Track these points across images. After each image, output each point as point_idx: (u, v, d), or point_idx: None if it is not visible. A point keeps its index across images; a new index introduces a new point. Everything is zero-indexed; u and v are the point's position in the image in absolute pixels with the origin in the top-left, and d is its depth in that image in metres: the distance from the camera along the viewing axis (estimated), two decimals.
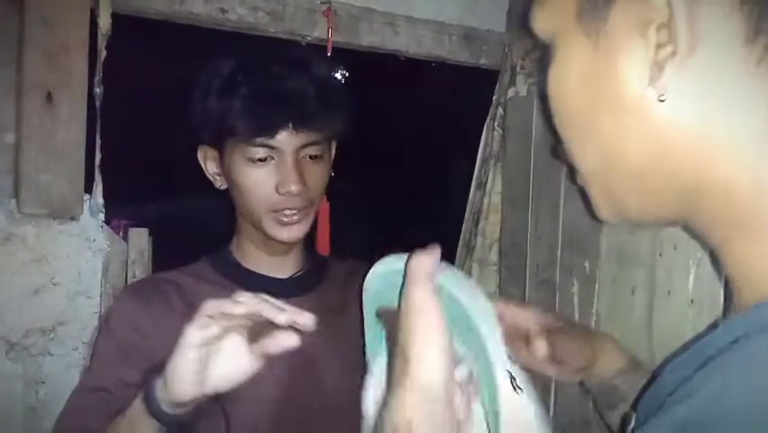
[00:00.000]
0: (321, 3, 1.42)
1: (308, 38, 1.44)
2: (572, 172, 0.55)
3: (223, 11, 1.35)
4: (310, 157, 1.01)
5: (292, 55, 1.04)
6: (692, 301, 0.96)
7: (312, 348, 1.04)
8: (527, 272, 1.42)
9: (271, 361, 0.98)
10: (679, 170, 0.44)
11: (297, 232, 1.03)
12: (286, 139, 0.97)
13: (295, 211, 1.01)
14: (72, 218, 1.23)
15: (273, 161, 0.99)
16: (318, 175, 1.03)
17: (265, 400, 1.00)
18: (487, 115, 1.63)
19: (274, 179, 0.99)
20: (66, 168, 1.21)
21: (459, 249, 1.69)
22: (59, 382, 1.21)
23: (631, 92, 0.44)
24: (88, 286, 1.26)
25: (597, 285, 1.17)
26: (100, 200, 1.27)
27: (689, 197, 0.45)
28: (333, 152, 1.13)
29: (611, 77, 0.45)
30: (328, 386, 1.03)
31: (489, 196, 1.60)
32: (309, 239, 1.11)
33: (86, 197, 1.25)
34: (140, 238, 1.34)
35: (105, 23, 1.25)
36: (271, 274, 1.10)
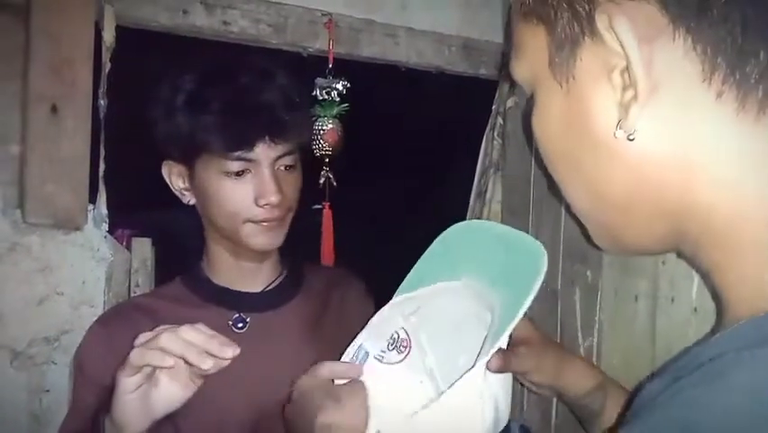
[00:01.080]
0: (322, 15, 1.44)
1: (310, 49, 1.45)
2: (569, 208, 0.58)
3: (225, 23, 1.36)
4: (285, 167, 1.01)
5: (256, 64, 1.03)
6: (696, 309, 0.96)
7: (283, 361, 1.04)
8: None
9: (239, 374, 0.99)
10: (661, 200, 0.47)
11: (275, 239, 1.03)
12: (263, 151, 0.97)
13: (273, 221, 1.01)
14: (76, 228, 1.24)
15: (250, 174, 0.98)
16: (293, 184, 1.03)
17: (220, 413, 1.00)
18: (486, 124, 1.64)
19: (252, 191, 0.98)
20: (70, 179, 1.22)
21: None
22: (62, 390, 1.22)
23: (603, 133, 0.46)
24: (92, 295, 1.26)
25: (599, 294, 1.17)
26: (104, 211, 1.28)
27: (675, 223, 0.47)
28: None
29: (584, 120, 0.48)
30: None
31: (489, 205, 1.61)
32: (284, 245, 1.09)
33: (90, 207, 1.26)
34: (143, 248, 1.35)
35: (109, 35, 1.26)
36: (244, 289, 1.09)
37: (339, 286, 1.18)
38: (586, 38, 0.46)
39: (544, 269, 0.74)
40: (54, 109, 1.20)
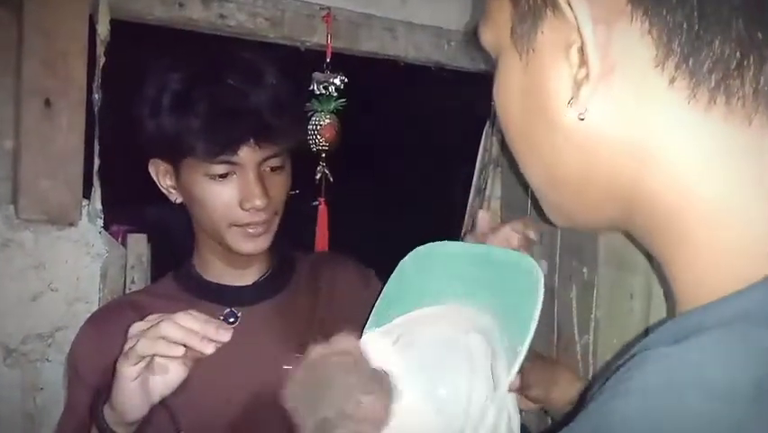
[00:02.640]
0: (320, 9, 1.43)
1: (308, 43, 1.44)
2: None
3: (222, 17, 1.35)
4: (271, 169, 1.00)
5: (246, 63, 1.01)
6: None
7: (276, 352, 1.03)
8: None
9: (233, 367, 0.99)
10: (612, 185, 0.46)
11: (262, 243, 1.02)
12: (248, 154, 0.96)
13: (259, 225, 1.00)
14: (70, 224, 1.23)
15: (235, 176, 0.97)
16: (281, 186, 1.02)
17: (216, 403, 1.00)
18: (486, 120, 1.63)
19: (237, 194, 0.97)
20: (64, 174, 1.21)
21: None
22: (57, 388, 1.21)
23: (557, 110, 0.45)
24: (87, 292, 1.25)
25: (595, 291, 1.16)
26: (98, 206, 1.27)
27: (626, 209, 0.47)
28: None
29: (540, 95, 0.47)
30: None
31: (488, 201, 1.60)
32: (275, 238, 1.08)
33: (85, 202, 1.25)
34: (138, 244, 1.34)
35: (103, 29, 1.25)
36: (234, 283, 1.08)
37: (327, 269, 1.18)
38: (548, 11, 0.45)
39: (541, 276, 0.68)
40: (48, 104, 1.18)
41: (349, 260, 1.22)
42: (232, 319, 1.06)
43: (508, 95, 0.50)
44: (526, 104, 0.48)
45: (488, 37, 0.53)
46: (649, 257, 0.50)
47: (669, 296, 0.48)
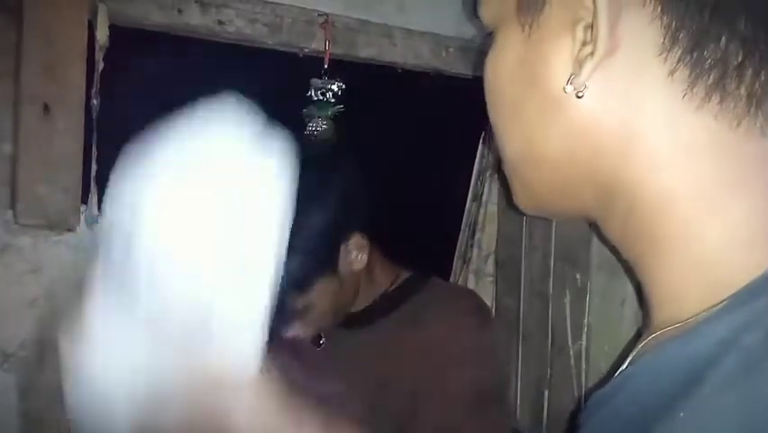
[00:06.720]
0: (318, 15, 1.43)
1: (306, 50, 1.44)
2: (500, 161, 0.56)
3: (220, 23, 1.35)
4: None
5: None
6: None
7: (345, 382, 1.02)
8: (522, 284, 1.42)
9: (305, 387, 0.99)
10: (594, 168, 0.45)
11: None
12: None
13: None
14: (68, 229, 1.23)
15: None
16: None
17: None
18: (483, 126, 1.63)
19: None
20: (62, 179, 1.20)
21: (455, 260, 1.69)
22: (54, 393, 1.21)
23: (554, 86, 0.45)
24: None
25: (588, 297, 1.17)
26: (96, 211, 1.27)
27: (603, 196, 0.46)
28: None
29: (539, 69, 0.46)
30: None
31: (485, 207, 1.61)
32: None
33: (83, 208, 1.25)
34: None
35: (102, 35, 1.25)
36: None
37: (445, 317, 1.09)
38: None
39: None
40: (46, 109, 1.18)
41: (477, 318, 1.12)
42: (321, 342, 1.09)
43: (503, 66, 0.50)
44: (522, 76, 0.48)
45: (490, 8, 0.53)
46: (615, 253, 0.49)
47: (642, 296, 0.47)
